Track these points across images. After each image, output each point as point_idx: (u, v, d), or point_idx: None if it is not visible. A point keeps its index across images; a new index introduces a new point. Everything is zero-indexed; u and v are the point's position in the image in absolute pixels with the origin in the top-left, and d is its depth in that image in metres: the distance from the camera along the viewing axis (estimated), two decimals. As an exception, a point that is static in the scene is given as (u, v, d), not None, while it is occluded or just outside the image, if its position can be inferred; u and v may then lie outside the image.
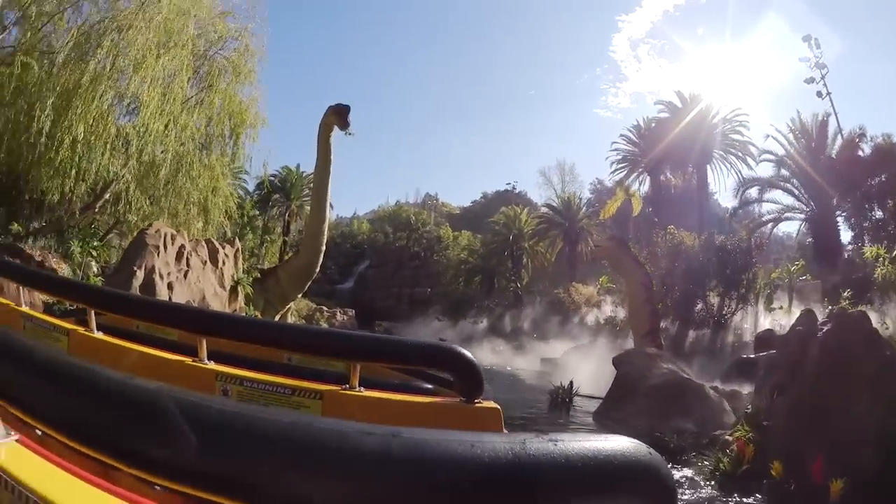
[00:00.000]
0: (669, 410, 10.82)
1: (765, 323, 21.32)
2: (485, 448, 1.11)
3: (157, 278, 14.24)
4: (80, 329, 2.64)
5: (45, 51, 15.42)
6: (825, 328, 8.14)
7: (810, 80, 34.16)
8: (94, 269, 15.20)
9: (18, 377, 1.56)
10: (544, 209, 50.68)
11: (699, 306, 22.47)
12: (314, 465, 1.12)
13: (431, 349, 2.43)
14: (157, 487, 1.25)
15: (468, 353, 2.20)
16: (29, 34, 15.38)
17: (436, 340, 3.01)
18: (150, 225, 15.50)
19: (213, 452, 1.20)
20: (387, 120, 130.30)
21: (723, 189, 65.79)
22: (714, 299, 22.35)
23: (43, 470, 1.24)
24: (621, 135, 48.44)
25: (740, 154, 41.06)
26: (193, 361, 2.34)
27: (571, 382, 15.41)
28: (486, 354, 28.93)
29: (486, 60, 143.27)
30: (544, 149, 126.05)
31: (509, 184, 71.82)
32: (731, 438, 8.13)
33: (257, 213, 40.66)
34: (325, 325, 38.60)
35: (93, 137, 14.85)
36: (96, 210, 17.42)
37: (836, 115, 32.18)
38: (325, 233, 19.41)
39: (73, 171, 14.76)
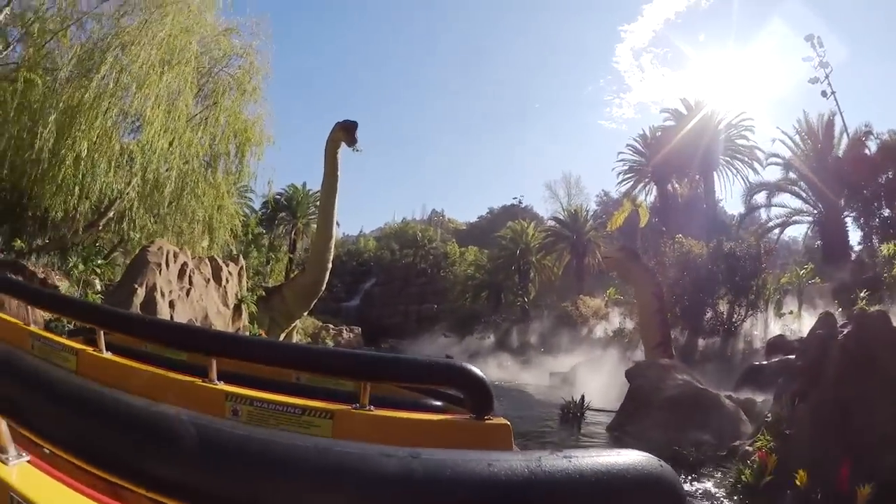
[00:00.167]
0: (686, 422, 10.54)
1: (775, 329, 21.00)
2: (501, 466, 1.12)
3: (158, 296, 14.08)
4: (89, 349, 2.64)
5: (48, 68, 15.45)
6: (845, 330, 7.93)
7: (814, 80, 34.13)
8: (98, 287, 15.07)
9: (31, 399, 1.52)
10: (551, 222, 50.65)
11: (709, 314, 22.26)
12: (335, 488, 1.11)
13: (441, 367, 2.41)
14: None
15: (478, 371, 2.20)
16: (32, 51, 15.42)
17: (442, 358, 2.95)
18: (152, 242, 15.41)
19: (228, 475, 1.19)
20: (392, 137, 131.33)
21: (729, 196, 65.87)
22: (723, 307, 22.13)
23: (54, 491, 1.26)
24: (627, 145, 48.50)
25: (747, 159, 41.01)
26: (203, 382, 2.34)
27: (583, 397, 15.15)
28: (493, 370, 28.53)
29: (490, 76, 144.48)
30: (550, 162, 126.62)
31: (515, 198, 71.87)
32: (751, 449, 7.87)
33: (262, 230, 40.67)
34: (331, 343, 38.50)
35: (96, 155, 14.81)
36: (100, 228, 17.34)
37: (841, 114, 32.13)
38: (332, 250, 19.28)
39: (77, 189, 14.69)
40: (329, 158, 18.20)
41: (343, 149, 18.00)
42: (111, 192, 15.86)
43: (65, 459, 1.37)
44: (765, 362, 15.31)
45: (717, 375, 16.56)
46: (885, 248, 17.47)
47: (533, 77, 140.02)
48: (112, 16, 15.96)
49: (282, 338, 19.76)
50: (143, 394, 1.72)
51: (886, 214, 26.94)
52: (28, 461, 1.33)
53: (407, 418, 2.20)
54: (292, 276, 30.75)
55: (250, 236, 31.42)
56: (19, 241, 15.50)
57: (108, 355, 2.62)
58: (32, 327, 2.96)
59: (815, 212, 31.52)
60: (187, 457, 1.22)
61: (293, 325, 21.41)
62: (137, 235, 16.99)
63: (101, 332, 2.68)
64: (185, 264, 15.61)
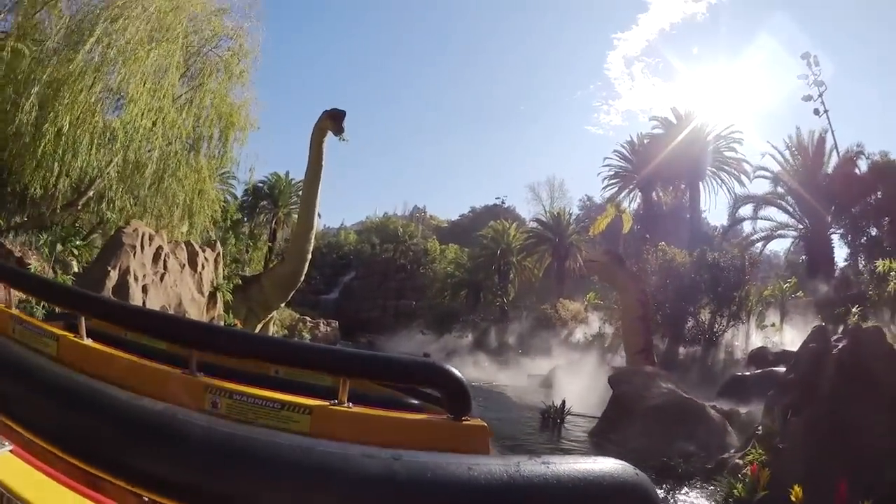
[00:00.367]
0: (671, 432, 10.43)
1: (756, 340, 21.26)
2: (481, 470, 1.19)
3: (131, 280, 13.66)
4: (70, 335, 2.61)
5: (37, 39, 14.86)
6: (840, 345, 7.83)
7: (808, 98, 34.36)
8: (75, 269, 14.55)
9: (14, 390, 1.62)
10: (533, 224, 50.55)
11: (690, 323, 22.35)
12: (317, 488, 1.16)
13: (420, 367, 2.43)
14: (146, 500, 1.30)
15: (456, 372, 2.20)
16: (22, 20, 14.82)
17: (420, 356, 3.09)
18: (128, 223, 14.91)
19: (211, 472, 1.24)
20: (377, 131, 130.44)
21: (712, 207, 66.55)
22: (705, 316, 22.21)
23: (35, 480, 1.28)
24: (614, 150, 48.63)
25: (734, 171, 41.36)
26: (184, 373, 2.32)
27: (564, 402, 15.01)
28: (471, 370, 28.36)
29: (480, 75, 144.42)
30: (534, 164, 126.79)
31: (498, 198, 71.93)
32: (742, 462, 7.74)
33: (242, 217, 40.08)
34: (307, 336, 38.12)
35: (78, 131, 14.26)
36: (79, 207, 16.79)
37: (832, 132, 32.54)
38: (312, 240, 19.02)
39: (56, 165, 14.14)
40: (314, 147, 17.98)
41: (328, 139, 17.77)
42: (92, 170, 15.29)
43: (46, 450, 1.43)
44: (747, 373, 15.36)
45: (697, 384, 16.60)
46: (881, 265, 17.51)
47: (522, 79, 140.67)
48: (104, -14, 15.40)
49: (258, 328, 19.40)
50: (124, 383, 1.83)
51: (874, 233, 27.20)
52: (10, 451, 1.34)
53: (384, 416, 2.20)
54: (271, 265, 30.27)
55: (229, 222, 30.83)
56: (-2, 218, 14.94)
57: (88, 342, 2.56)
58: (14, 310, 2.90)
59: (801, 227, 31.89)
60: (170, 453, 1.27)
61: (270, 315, 21.05)
62: (114, 216, 16.46)
63: (83, 319, 2.62)
64: (160, 248, 15.19)
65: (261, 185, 44.42)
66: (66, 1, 15.48)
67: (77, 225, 17.23)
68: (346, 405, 2.16)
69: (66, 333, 2.62)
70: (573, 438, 13.11)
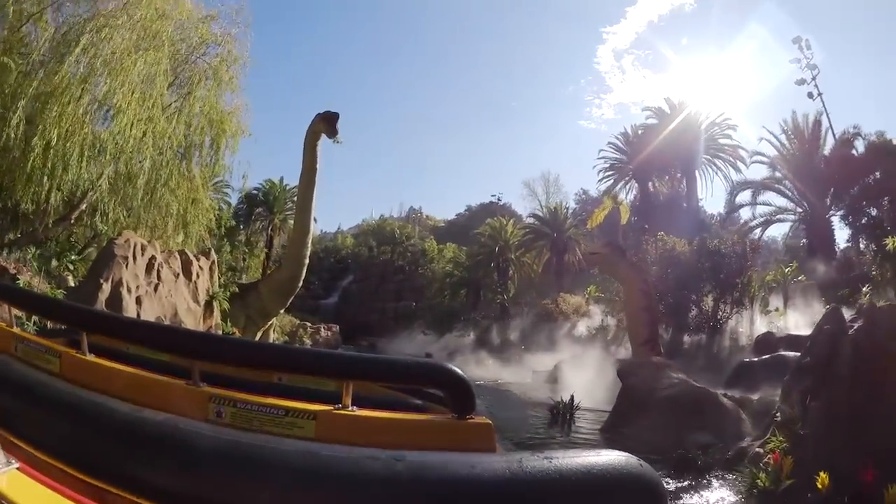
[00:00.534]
0: (685, 423, 10.19)
1: (761, 326, 21.16)
2: (484, 468, 1.22)
3: (124, 292, 13.38)
4: (72, 351, 2.62)
5: (24, 52, 14.66)
6: (855, 325, 7.67)
7: (801, 82, 34.55)
8: (71, 284, 14.32)
9: (19, 407, 1.65)
10: (530, 220, 50.52)
11: (693, 311, 22.24)
12: (322, 491, 1.18)
13: (422, 367, 2.47)
14: None
15: (459, 371, 2.24)
16: (7, 33, 14.60)
17: (422, 356, 2.88)
18: (119, 234, 14.69)
19: (216, 482, 1.24)
20: (370, 134, 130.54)
21: (709, 195, 66.49)
22: (708, 304, 22.08)
23: (43, 497, 1.28)
24: (609, 143, 48.70)
25: (730, 158, 41.38)
26: (187, 384, 2.32)
27: (572, 397, 14.77)
28: (474, 368, 28.31)
29: (470, 73, 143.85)
30: (528, 161, 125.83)
31: (494, 196, 71.88)
32: (762, 451, 7.56)
33: (236, 224, 39.85)
34: (308, 342, 38.00)
35: (67, 144, 14.05)
36: (72, 221, 16.57)
37: (827, 115, 32.60)
38: (309, 245, 18.81)
39: (46, 179, 13.93)
40: (308, 150, 17.80)
41: (323, 143, 17.58)
42: (83, 183, 15.09)
43: (53, 467, 1.45)
44: (755, 359, 15.18)
45: (703, 372, 16.38)
46: (890, 242, 17.19)
47: (513, 77, 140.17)
48: (89, -2, 15.22)
49: (258, 336, 19.20)
50: (128, 397, 1.87)
51: (874, 213, 27.11)
52: (17, 468, 1.34)
53: (389, 418, 2.22)
54: (269, 272, 30.03)
55: (223, 230, 30.59)
56: (-9, 236, 14.72)
57: (90, 358, 2.57)
58: (15, 328, 2.91)
59: (801, 210, 31.88)
60: (175, 464, 1.29)
61: (270, 322, 20.84)
62: (108, 229, 16.24)
63: (85, 335, 2.62)
64: (153, 258, 14.93)
65: (255, 192, 44.31)
66: (53, 13, 15.27)
67: (72, 239, 17.04)
68: (350, 409, 2.18)
69: (68, 350, 2.64)
70: (585, 433, 12.90)
